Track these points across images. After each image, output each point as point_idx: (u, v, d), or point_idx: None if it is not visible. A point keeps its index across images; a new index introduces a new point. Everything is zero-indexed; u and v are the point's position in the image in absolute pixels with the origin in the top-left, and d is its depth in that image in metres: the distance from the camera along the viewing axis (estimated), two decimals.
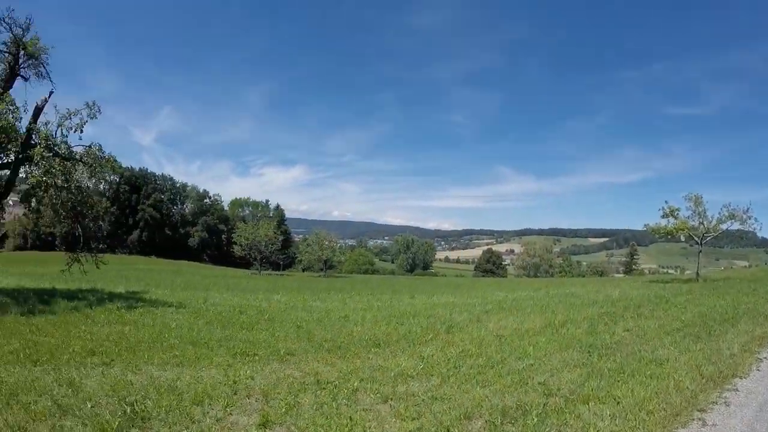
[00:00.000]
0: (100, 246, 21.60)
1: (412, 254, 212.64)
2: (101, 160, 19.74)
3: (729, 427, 7.18)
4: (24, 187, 19.68)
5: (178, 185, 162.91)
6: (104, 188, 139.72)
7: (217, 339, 12.90)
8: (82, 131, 18.89)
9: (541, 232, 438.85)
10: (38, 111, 19.21)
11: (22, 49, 19.35)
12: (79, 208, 20.03)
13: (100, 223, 21.49)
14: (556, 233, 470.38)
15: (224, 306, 20.60)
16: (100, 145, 19.82)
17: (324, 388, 8.47)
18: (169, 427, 6.58)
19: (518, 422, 6.95)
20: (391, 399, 8.03)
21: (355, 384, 8.69)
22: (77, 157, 19.44)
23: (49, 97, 19.49)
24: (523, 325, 15.77)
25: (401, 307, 21.62)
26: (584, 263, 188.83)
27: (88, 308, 17.45)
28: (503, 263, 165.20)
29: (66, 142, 19.00)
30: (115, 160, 20.89)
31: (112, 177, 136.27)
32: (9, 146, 18.32)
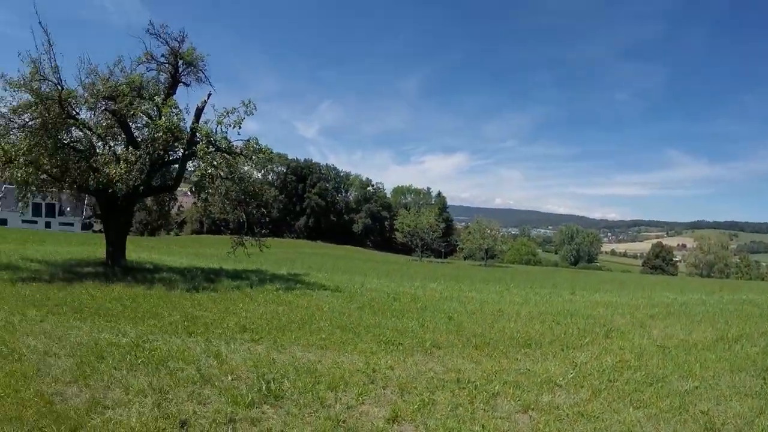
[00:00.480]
0: (263, 231, 22.79)
1: (576, 246, 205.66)
2: (258, 152, 21.01)
3: None
4: (194, 179, 21.13)
5: (341, 174, 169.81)
6: (272, 178, 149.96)
7: (365, 325, 12.89)
8: (240, 127, 20.12)
9: (716, 226, 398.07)
10: (199, 112, 20.94)
11: (180, 59, 21.28)
12: (243, 197, 21.45)
13: (263, 210, 22.65)
14: (733, 227, 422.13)
15: (379, 292, 20.66)
16: (256, 138, 21.16)
17: (463, 388, 8.05)
18: (299, 409, 6.66)
19: None
20: (532, 409, 7.35)
21: (497, 387, 8.13)
22: (237, 150, 20.86)
23: (207, 98, 21.15)
24: (691, 336, 13.86)
25: (559, 304, 20.22)
26: (764, 264, 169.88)
27: (248, 288, 18.40)
28: (674, 259, 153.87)
29: (226, 138, 20.40)
30: (272, 152, 22.28)
31: (279, 168, 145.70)
32: (176, 144, 20.25)
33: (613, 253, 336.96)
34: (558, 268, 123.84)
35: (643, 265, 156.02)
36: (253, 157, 21.11)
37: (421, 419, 6.65)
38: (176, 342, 9.76)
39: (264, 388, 7.23)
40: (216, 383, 7.41)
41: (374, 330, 12.24)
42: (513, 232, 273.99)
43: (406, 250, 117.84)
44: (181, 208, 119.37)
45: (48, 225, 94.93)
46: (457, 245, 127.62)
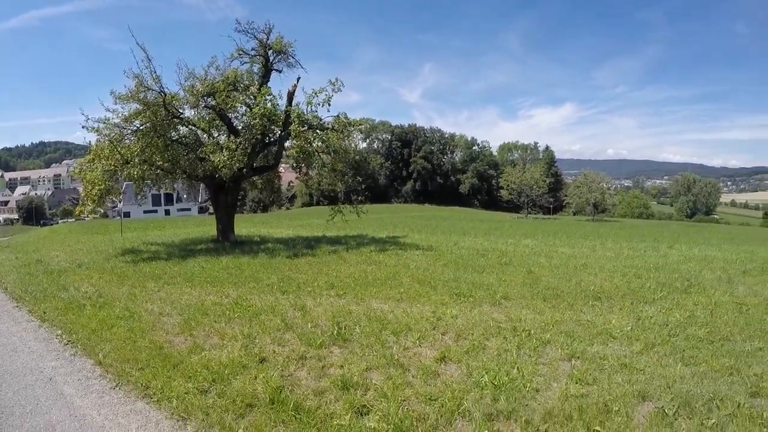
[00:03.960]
0: (359, 198, 24.33)
1: (693, 197, 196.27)
2: (348, 125, 22.58)
3: None
4: (293, 156, 23.26)
5: (446, 136, 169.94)
6: (378, 146, 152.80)
7: (444, 280, 13.72)
8: (329, 105, 21.62)
9: None
10: (290, 95, 22.89)
11: (270, 49, 23.20)
12: (340, 168, 23.33)
13: (358, 178, 24.14)
14: None
15: (470, 249, 21.36)
16: (345, 113, 22.66)
17: (517, 335, 8.48)
18: (362, 349, 7.77)
19: (695, 418, 5.74)
20: (577, 358, 7.49)
21: (548, 336, 8.45)
22: (328, 126, 22.46)
23: (297, 82, 23.07)
24: None
25: (652, 259, 20.04)
26: None
27: (344, 251, 19.91)
28: None
29: (316, 116, 22.14)
30: (360, 123, 23.82)
31: (383, 136, 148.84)
32: (273, 127, 22.14)
33: (732, 204, 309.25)
34: (669, 222, 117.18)
35: (764, 217, 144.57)
36: (344, 130, 22.48)
37: (466, 361, 7.29)
38: (270, 299, 11.31)
39: (335, 332, 8.47)
40: (297, 330, 8.77)
41: (451, 284, 13.09)
42: (626, 184, 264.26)
43: (514, 208, 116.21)
44: (291, 184, 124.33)
45: (167, 212, 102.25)
46: (564, 201, 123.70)
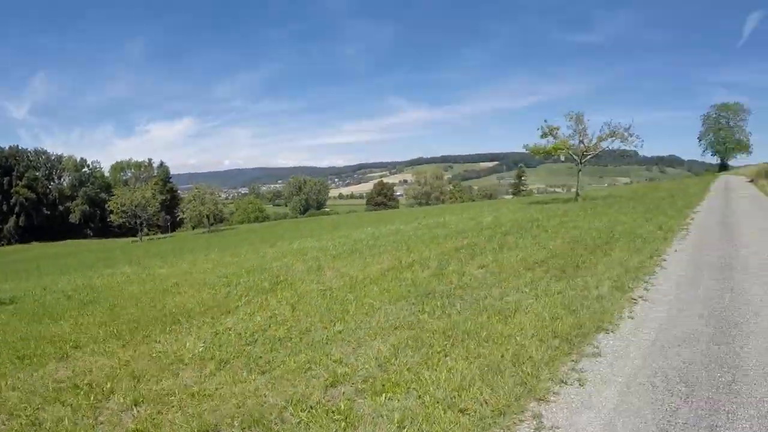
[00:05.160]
0: None
1: (305, 195, 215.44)
2: None
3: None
4: None
5: (53, 158, 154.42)
6: None
7: (11, 341, 11.40)
8: None
9: (432, 161, 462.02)
10: None
11: None
12: None
13: None
14: (447, 160, 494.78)
15: (60, 293, 18.58)
16: None
17: (78, 394, 7.07)
18: None
19: None
20: (141, 403, 6.61)
21: (111, 385, 7.26)
22: None
23: None
24: (365, 271, 14.06)
25: (249, 262, 20.28)
26: (476, 188, 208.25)
27: None
28: (395, 194, 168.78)
29: None
30: None
31: None
32: None
33: (340, 196, 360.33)
34: (283, 221, 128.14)
35: (367, 204, 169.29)
36: None
37: None
38: None
39: None
40: None
41: (18, 345, 10.72)
42: (243, 192, 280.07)
43: (129, 231, 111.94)
44: None
45: None
46: (178, 217, 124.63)
